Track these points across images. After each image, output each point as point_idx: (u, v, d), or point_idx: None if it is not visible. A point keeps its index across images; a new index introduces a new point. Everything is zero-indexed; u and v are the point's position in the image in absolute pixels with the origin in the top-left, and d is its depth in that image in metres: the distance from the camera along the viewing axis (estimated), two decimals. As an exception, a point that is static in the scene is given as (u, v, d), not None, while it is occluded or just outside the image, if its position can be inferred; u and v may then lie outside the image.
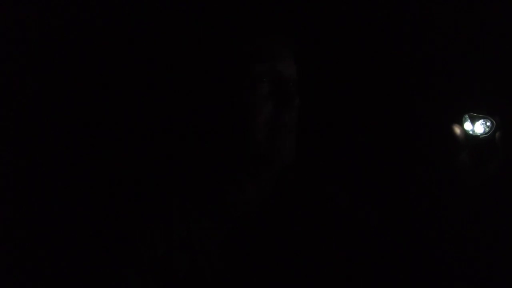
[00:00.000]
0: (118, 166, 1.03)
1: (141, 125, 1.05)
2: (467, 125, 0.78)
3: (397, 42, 1.04)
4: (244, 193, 0.85)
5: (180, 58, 0.99)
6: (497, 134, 0.76)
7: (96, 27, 1.06)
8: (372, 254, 0.84)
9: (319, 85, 0.96)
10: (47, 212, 1.01)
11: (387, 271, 0.83)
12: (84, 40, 1.06)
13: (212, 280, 0.81)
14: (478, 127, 0.78)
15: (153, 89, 1.04)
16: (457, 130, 0.78)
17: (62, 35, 1.05)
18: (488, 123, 0.77)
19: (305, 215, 0.87)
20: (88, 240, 0.85)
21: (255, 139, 0.79)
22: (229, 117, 0.79)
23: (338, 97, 1.04)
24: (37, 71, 1.05)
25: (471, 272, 0.80)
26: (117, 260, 0.80)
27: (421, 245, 0.81)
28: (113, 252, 0.80)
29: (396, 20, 1.04)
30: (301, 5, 1.04)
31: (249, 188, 0.85)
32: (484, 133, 0.77)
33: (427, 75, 1.02)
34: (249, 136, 0.79)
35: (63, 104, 1.06)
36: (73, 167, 1.03)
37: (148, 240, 0.80)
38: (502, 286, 0.83)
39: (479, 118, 0.78)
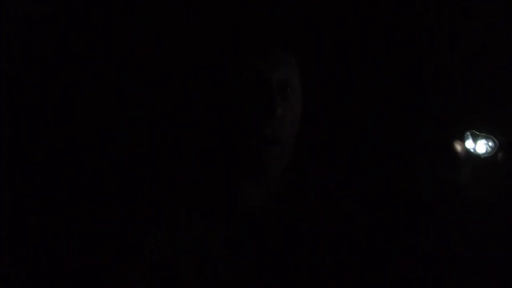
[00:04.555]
0: (122, 167, 1.03)
1: (145, 127, 1.05)
2: (469, 143, 0.75)
3: (400, 57, 1.03)
4: (248, 196, 0.86)
5: (181, 61, 1.00)
6: (500, 155, 0.72)
7: (95, 26, 1.06)
8: (373, 260, 0.86)
9: (319, 90, 0.97)
10: (49, 213, 1.01)
11: (386, 277, 0.85)
12: (82, 39, 1.06)
13: (216, 283, 0.82)
14: (480, 147, 0.74)
15: (159, 91, 1.04)
16: (458, 147, 0.75)
17: (62, 35, 1.05)
18: (490, 143, 0.73)
19: (307, 219, 0.88)
20: (91, 241, 0.86)
21: (257, 141, 0.80)
22: (233, 119, 0.80)
23: (341, 107, 1.05)
24: (37, 71, 1.04)
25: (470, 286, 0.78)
26: (120, 262, 0.81)
27: (421, 258, 0.81)
28: (117, 254, 0.81)
29: (398, 34, 1.03)
30: (302, 10, 1.05)
31: (253, 192, 0.86)
32: (486, 153, 0.73)
33: (432, 88, 1.01)
34: (251, 139, 0.80)
35: (64, 104, 1.05)
36: (76, 168, 1.03)
37: (152, 242, 0.81)
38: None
39: (481, 137, 0.74)
